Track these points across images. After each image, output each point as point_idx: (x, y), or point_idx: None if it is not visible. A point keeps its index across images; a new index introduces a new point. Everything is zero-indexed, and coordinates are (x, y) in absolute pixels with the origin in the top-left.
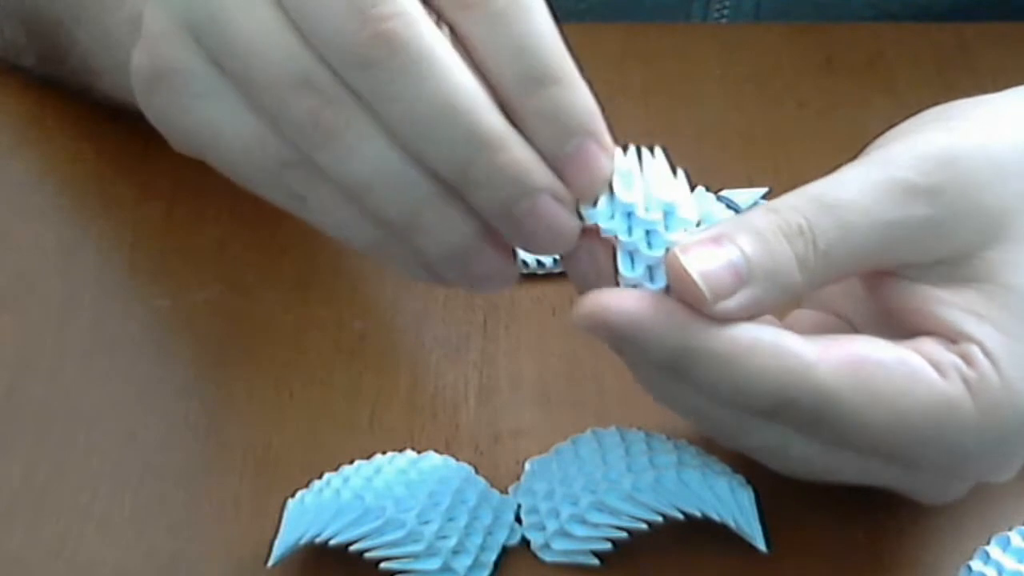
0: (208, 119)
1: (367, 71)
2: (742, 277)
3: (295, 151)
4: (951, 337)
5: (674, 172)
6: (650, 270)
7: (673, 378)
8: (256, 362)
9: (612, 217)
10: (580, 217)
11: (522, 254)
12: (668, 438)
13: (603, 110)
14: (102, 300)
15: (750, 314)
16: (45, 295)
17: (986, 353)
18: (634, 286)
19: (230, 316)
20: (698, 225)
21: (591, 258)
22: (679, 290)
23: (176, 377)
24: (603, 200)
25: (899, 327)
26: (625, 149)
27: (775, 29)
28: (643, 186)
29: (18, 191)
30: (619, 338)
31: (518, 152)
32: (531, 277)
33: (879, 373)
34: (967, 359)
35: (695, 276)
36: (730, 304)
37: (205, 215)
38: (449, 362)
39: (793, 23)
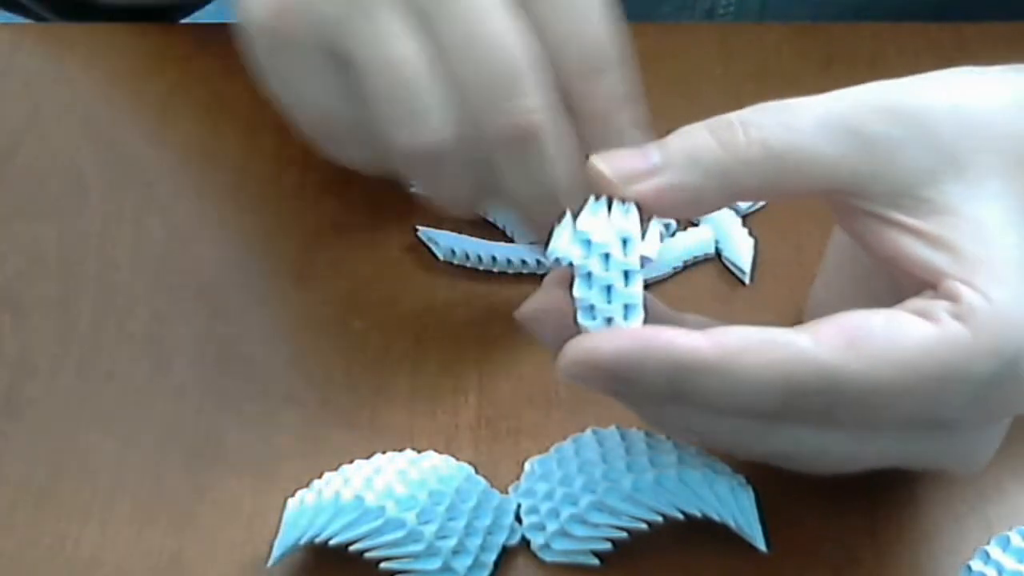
0: (305, 95)
1: (502, 149)
2: (651, 160)
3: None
4: (931, 280)
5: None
6: (625, 308)
7: (678, 405)
8: (256, 362)
9: (572, 243)
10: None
11: (523, 254)
12: (668, 438)
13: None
14: (102, 300)
15: (678, 200)
16: (45, 295)
17: (969, 285)
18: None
19: (230, 316)
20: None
21: (560, 314)
22: (595, 188)
23: (176, 377)
24: (567, 235)
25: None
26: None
27: (775, 29)
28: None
29: (18, 191)
30: (612, 378)
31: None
32: (531, 277)
33: (874, 337)
34: (952, 298)
35: (601, 166)
36: (644, 187)
37: (205, 216)
38: (449, 362)
39: (793, 23)
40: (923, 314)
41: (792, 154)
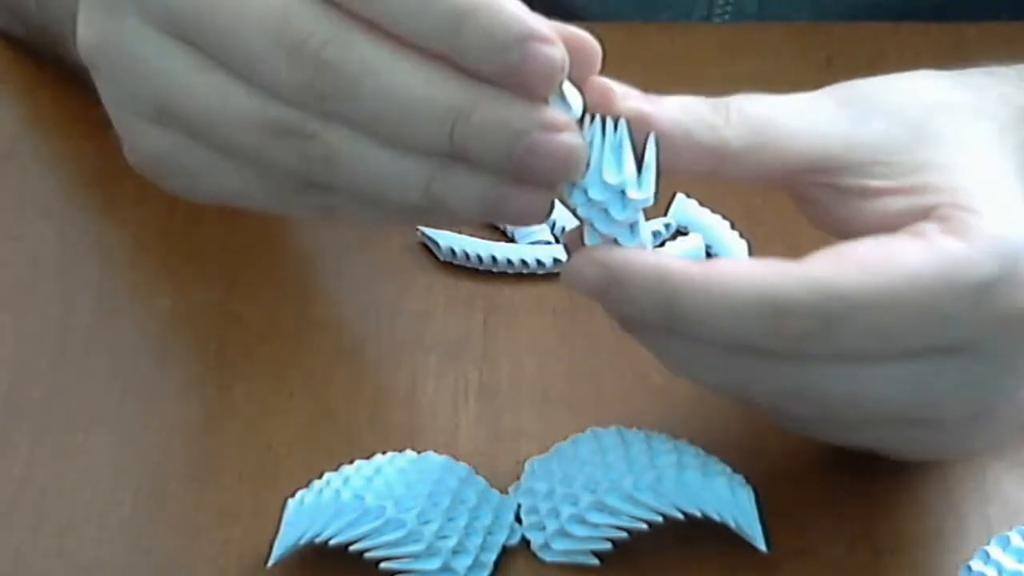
0: (208, 181)
1: (323, 99)
2: (649, 96)
3: (300, 179)
4: (920, 216)
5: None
6: (630, 227)
7: (672, 335)
8: (256, 362)
9: (605, 192)
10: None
11: (523, 254)
12: (668, 438)
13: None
14: (102, 300)
15: (670, 129)
16: (45, 295)
17: (956, 207)
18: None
19: (230, 316)
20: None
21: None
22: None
23: (176, 377)
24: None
25: None
26: (592, 119)
27: (775, 29)
28: (631, 161)
29: (18, 191)
30: (608, 281)
31: (491, 105)
32: (531, 277)
33: (866, 253)
34: (941, 218)
35: (601, 80)
36: (644, 104)
37: (205, 215)
38: (449, 362)
39: (793, 23)
40: (914, 235)
41: (770, 128)
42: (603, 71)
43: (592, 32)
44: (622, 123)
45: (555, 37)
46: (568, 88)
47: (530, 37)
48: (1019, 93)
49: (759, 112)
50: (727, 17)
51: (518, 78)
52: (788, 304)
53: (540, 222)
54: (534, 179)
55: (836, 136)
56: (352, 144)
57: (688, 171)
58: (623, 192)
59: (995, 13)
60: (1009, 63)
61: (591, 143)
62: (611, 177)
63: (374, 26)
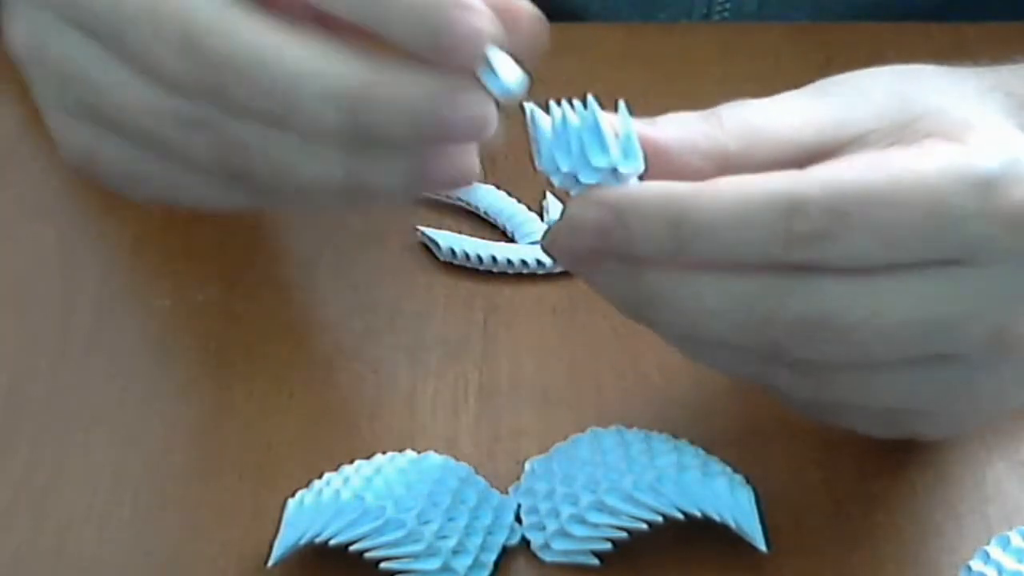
0: (137, 177)
1: (222, 88)
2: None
3: (223, 172)
4: None
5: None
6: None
7: (680, 265)
8: (256, 362)
9: (596, 176)
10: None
11: (523, 254)
12: (668, 438)
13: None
14: (102, 300)
15: (666, 139)
16: (45, 295)
17: (955, 125)
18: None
19: (230, 316)
20: None
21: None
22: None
23: (176, 377)
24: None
25: None
26: (558, 103)
27: (775, 29)
28: (614, 139)
29: (18, 191)
30: (613, 217)
31: (389, 82)
32: (531, 277)
33: (868, 157)
34: (939, 135)
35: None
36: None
37: (205, 215)
38: (449, 362)
39: (793, 23)
40: (914, 146)
41: (762, 126)
42: (603, 71)
43: (592, 32)
44: (591, 101)
45: (479, 5)
46: (503, 60)
47: (452, 5)
48: (1018, 83)
49: (749, 113)
50: (726, 16)
51: (440, 52)
52: (798, 200)
53: (471, 181)
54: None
55: (827, 118)
56: (259, 134)
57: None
58: (614, 170)
59: (995, 13)
60: (1009, 63)
61: (564, 126)
62: (600, 161)
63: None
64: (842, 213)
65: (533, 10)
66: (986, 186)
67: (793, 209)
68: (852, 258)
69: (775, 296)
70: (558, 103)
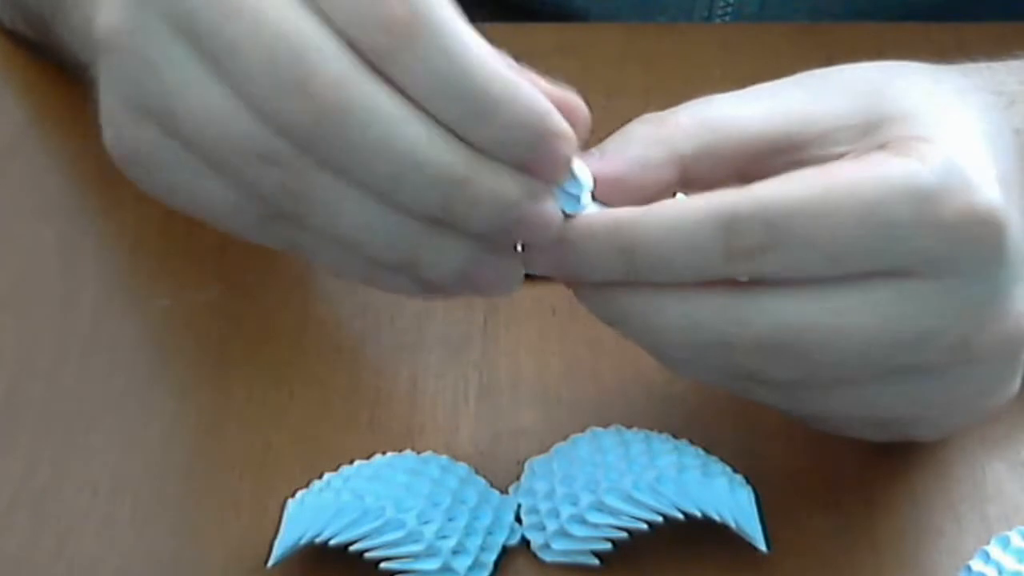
0: (184, 188)
1: (322, 140)
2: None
3: (275, 209)
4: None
5: None
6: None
7: (635, 287)
8: (256, 362)
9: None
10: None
11: None
12: (668, 438)
13: (603, 110)
14: (102, 300)
15: (622, 170)
16: (45, 295)
17: (906, 136)
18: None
19: (230, 316)
20: None
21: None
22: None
23: (176, 377)
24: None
25: None
26: None
27: (775, 29)
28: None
29: (18, 191)
30: (566, 247)
31: (488, 177)
32: (531, 277)
33: (809, 172)
34: (888, 147)
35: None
36: (596, 163)
37: None
38: (449, 362)
39: (793, 23)
40: (857, 159)
41: (723, 121)
42: (603, 71)
43: (592, 32)
44: None
45: (570, 132)
46: (578, 166)
47: (548, 135)
48: (1012, 81)
49: (709, 110)
50: (728, 19)
51: (530, 167)
52: (733, 214)
53: (503, 294)
54: (511, 244)
55: (794, 112)
56: (340, 188)
57: (661, 195)
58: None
59: (995, 13)
60: (1008, 59)
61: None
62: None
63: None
64: (775, 226)
65: (583, 106)
66: (922, 197)
67: (729, 224)
68: (794, 270)
69: (732, 317)
70: None
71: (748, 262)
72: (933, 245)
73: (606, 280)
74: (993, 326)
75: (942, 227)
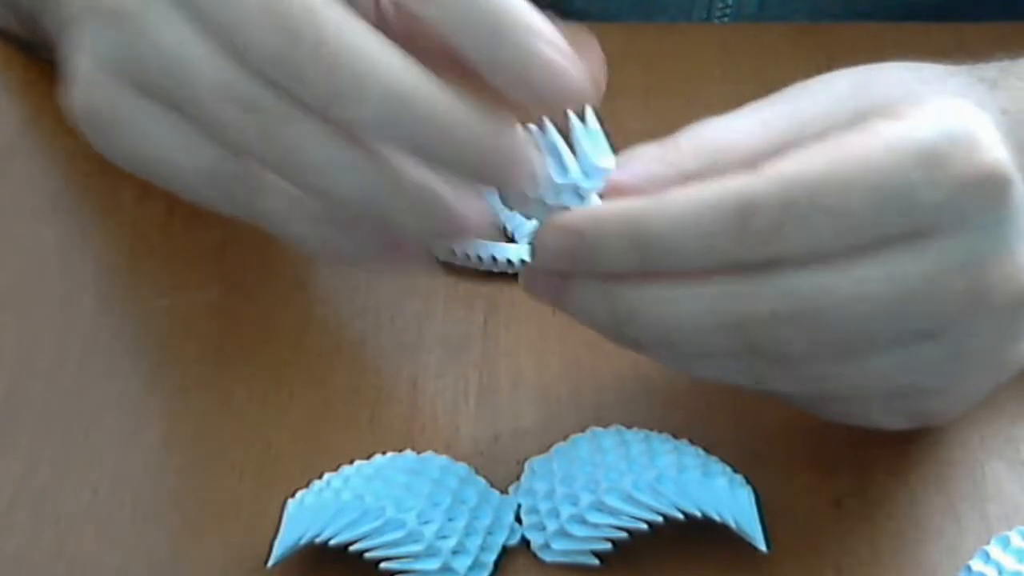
0: (151, 148)
1: (293, 71)
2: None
3: (240, 164)
4: None
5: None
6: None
7: (654, 283)
8: (256, 362)
9: (559, 195)
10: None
11: (523, 254)
12: (668, 438)
13: (603, 110)
14: (102, 300)
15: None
16: (45, 295)
17: (910, 107)
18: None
19: (230, 316)
20: None
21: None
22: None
23: (176, 377)
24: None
25: None
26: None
27: (775, 29)
28: (575, 161)
29: (18, 191)
30: (578, 240)
31: (465, 111)
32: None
33: (812, 145)
34: (891, 114)
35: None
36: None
37: (205, 215)
38: (449, 362)
39: (793, 23)
40: (857, 128)
41: (720, 138)
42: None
43: (592, 32)
44: (546, 123)
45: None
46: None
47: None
48: (994, 72)
49: (705, 131)
50: (726, 20)
51: (527, 87)
52: (747, 198)
53: (482, 229)
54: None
55: (788, 123)
56: (311, 128)
57: None
58: (576, 187)
59: (995, 13)
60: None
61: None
62: (560, 178)
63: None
64: (793, 204)
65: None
66: (930, 156)
67: (744, 207)
68: (812, 247)
69: (747, 296)
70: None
71: (765, 244)
72: (945, 202)
73: (617, 271)
74: (1002, 277)
75: (951, 183)
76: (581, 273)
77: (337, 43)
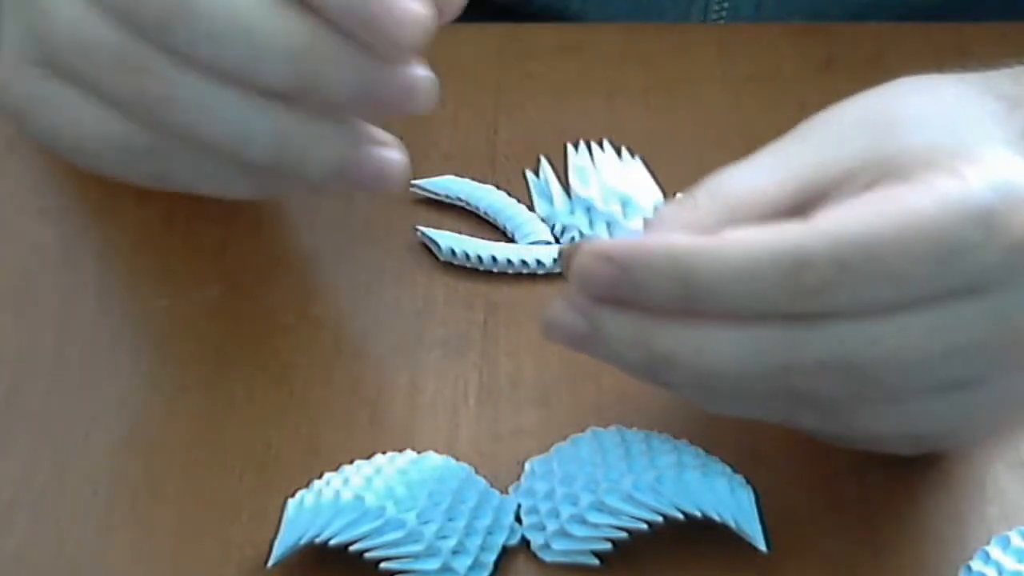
0: (67, 126)
1: (170, 27)
2: None
3: (149, 131)
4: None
5: (629, 157)
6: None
7: (687, 317)
8: (256, 362)
9: (573, 213)
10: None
11: (523, 254)
12: (668, 438)
13: (603, 110)
14: (102, 300)
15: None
16: (45, 295)
17: (947, 158)
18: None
19: (230, 316)
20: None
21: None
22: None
23: (176, 377)
24: (561, 199)
25: None
26: (576, 146)
27: (775, 29)
28: (599, 180)
29: (18, 191)
30: (620, 271)
31: (337, 43)
32: (531, 277)
33: (868, 202)
34: (932, 168)
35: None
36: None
37: (205, 215)
38: (449, 362)
39: (793, 23)
40: (911, 182)
41: (738, 193)
42: (603, 71)
43: (592, 32)
44: (607, 145)
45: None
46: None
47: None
48: (1012, 86)
49: (724, 184)
50: (722, 23)
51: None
52: (803, 255)
53: (395, 185)
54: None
55: (804, 169)
56: (198, 84)
57: None
58: (627, 204)
59: (995, 13)
60: (1009, 63)
61: (585, 167)
62: (620, 185)
63: None
64: (848, 262)
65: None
66: (987, 216)
67: (800, 265)
68: (861, 303)
69: (792, 344)
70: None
71: (815, 299)
72: (1000, 263)
73: (659, 306)
74: None
75: (1007, 245)
76: (616, 306)
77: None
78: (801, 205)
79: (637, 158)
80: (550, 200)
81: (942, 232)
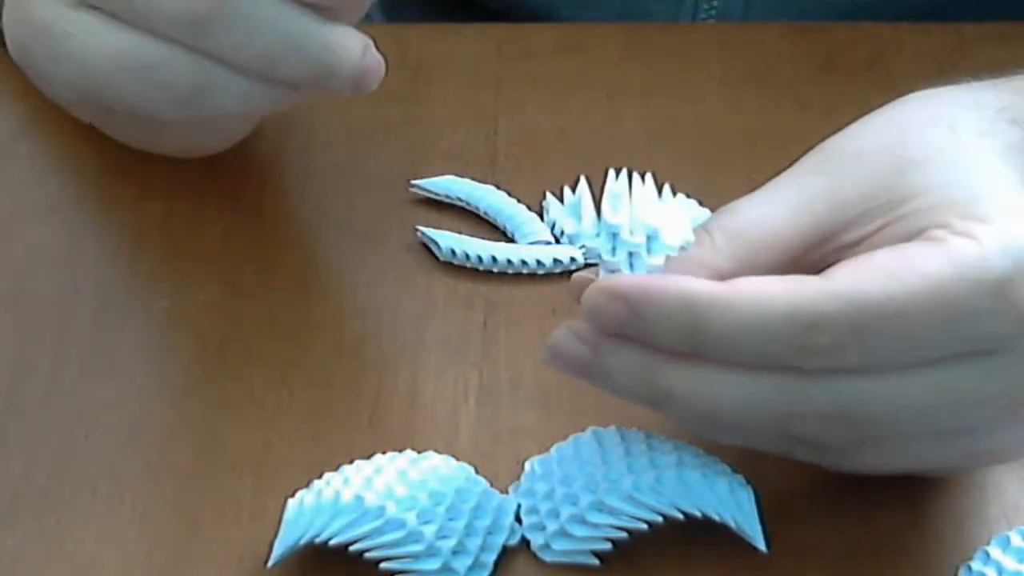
0: (91, 54)
1: None
2: None
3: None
4: (923, 233)
5: (670, 195)
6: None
7: (699, 367)
8: (256, 362)
9: (598, 236)
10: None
11: (523, 254)
12: (668, 438)
13: (603, 110)
14: (102, 300)
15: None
16: (45, 295)
17: (962, 217)
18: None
19: (230, 316)
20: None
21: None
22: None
23: (176, 377)
24: (590, 220)
25: None
26: (617, 173)
27: (775, 29)
28: (630, 210)
29: (18, 191)
30: (630, 308)
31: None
32: (531, 277)
33: (885, 263)
34: (949, 226)
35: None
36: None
37: (205, 215)
38: (449, 362)
39: (793, 23)
40: (928, 241)
41: (753, 233)
42: (603, 71)
43: (592, 32)
44: (649, 177)
45: None
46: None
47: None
48: (1021, 103)
49: (738, 222)
50: (711, 22)
51: None
52: (817, 317)
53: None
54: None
55: (819, 205)
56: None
57: None
58: (653, 238)
59: (995, 13)
60: (1010, 65)
61: (620, 195)
62: (650, 219)
63: None
64: (862, 328)
65: None
66: (999, 287)
67: (812, 326)
68: (869, 363)
69: (793, 395)
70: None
71: (824, 358)
72: (1007, 332)
73: (667, 347)
74: None
75: (1017, 314)
76: (621, 340)
77: None
78: (815, 244)
79: (682, 196)
80: (579, 218)
81: (957, 299)
